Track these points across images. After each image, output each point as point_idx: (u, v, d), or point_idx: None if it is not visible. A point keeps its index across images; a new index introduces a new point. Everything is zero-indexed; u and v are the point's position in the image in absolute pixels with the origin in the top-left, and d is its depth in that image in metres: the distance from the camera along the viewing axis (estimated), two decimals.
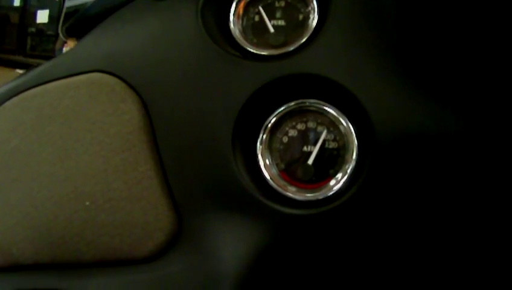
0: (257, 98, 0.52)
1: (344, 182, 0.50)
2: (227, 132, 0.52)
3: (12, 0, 4.58)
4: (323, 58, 0.51)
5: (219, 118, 0.52)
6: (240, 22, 0.58)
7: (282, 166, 0.54)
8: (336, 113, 0.52)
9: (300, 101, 0.53)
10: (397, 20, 0.50)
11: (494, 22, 0.45)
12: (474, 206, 0.48)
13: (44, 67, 0.64)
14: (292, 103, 0.53)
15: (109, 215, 0.55)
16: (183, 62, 0.56)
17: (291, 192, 0.52)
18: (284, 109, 0.53)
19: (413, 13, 0.50)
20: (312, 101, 0.53)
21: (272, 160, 0.54)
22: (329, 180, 0.51)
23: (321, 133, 0.53)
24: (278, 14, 0.57)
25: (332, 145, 0.52)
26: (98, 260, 0.56)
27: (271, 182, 0.52)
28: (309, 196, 0.51)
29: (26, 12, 4.42)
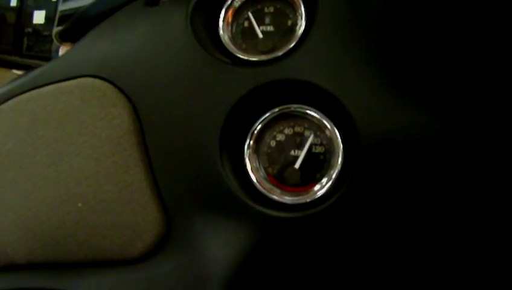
0: (244, 103, 0.53)
1: (328, 187, 0.51)
2: (214, 137, 0.52)
3: (9, 0, 4.56)
4: (308, 63, 0.51)
5: (206, 123, 0.53)
6: (229, 28, 0.58)
7: (270, 170, 0.54)
8: (321, 117, 0.52)
9: (284, 106, 0.53)
10: (383, 26, 0.51)
11: (478, 29, 0.45)
12: (457, 209, 0.49)
13: (39, 71, 0.64)
14: (276, 109, 0.53)
15: (100, 216, 0.55)
16: (173, 68, 0.56)
17: (277, 195, 0.52)
18: (268, 116, 0.54)
19: (398, 20, 0.50)
20: (296, 106, 0.53)
21: (259, 164, 0.54)
22: (315, 185, 0.52)
23: (308, 137, 0.53)
24: (267, 20, 0.57)
25: (319, 149, 0.53)
26: (90, 260, 0.56)
27: (257, 185, 0.53)
28: (295, 199, 0.52)
29: (23, 13, 4.40)
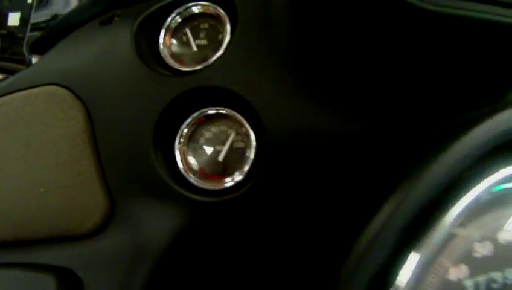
0: (174, 106, 0.58)
1: (239, 179, 0.56)
2: (148, 135, 0.58)
3: None
4: (224, 71, 0.57)
5: (142, 123, 0.59)
6: (169, 44, 0.65)
7: (200, 162, 0.60)
8: (235, 116, 0.58)
9: (202, 110, 0.59)
10: (290, 36, 0.55)
11: (381, 32, 0.47)
12: (357, 203, 0.49)
13: (12, 79, 0.69)
14: (196, 114, 0.59)
15: (59, 200, 0.60)
16: (118, 79, 0.62)
17: (195, 180, 0.58)
18: (191, 120, 0.60)
19: (304, 29, 0.54)
20: (213, 108, 0.59)
21: (192, 156, 0.61)
22: (229, 176, 0.58)
23: (230, 135, 0.59)
24: (202, 35, 0.63)
25: (240, 145, 0.59)
26: (50, 237, 0.61)
27: (183, 172, 0.59)
28: (208, 186, 0.58)
29: None
